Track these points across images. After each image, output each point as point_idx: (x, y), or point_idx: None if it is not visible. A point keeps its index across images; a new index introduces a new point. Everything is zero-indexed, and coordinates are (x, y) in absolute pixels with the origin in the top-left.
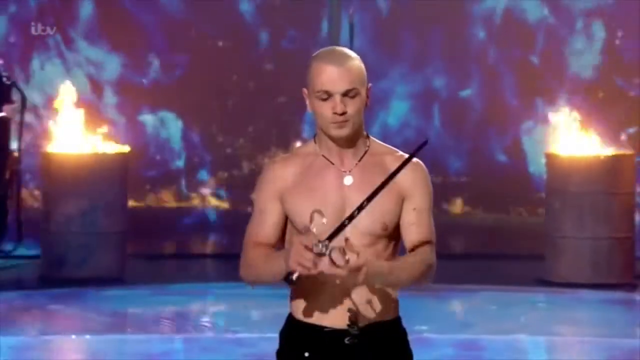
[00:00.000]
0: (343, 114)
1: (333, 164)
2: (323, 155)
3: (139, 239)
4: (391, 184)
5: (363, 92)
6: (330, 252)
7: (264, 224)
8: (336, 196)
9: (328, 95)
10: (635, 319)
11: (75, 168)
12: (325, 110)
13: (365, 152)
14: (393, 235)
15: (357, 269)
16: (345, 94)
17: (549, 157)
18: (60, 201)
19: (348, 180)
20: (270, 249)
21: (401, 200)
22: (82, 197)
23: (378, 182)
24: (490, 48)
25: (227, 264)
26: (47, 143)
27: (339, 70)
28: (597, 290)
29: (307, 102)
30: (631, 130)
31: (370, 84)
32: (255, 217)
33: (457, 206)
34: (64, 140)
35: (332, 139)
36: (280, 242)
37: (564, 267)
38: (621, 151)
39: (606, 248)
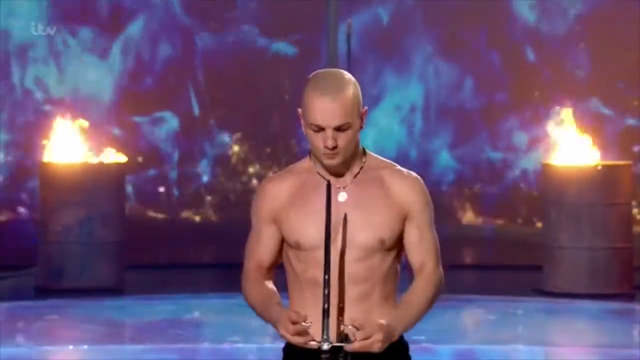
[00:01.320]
0: (334, 147)
1: (328, 180)
2: (318, 173)
3: (137, 249)
4: (390, 200)
5: (356, 122)
6: (331, 346)
7: (261, 245)
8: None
9: (320, 129)
10: (634, 329)
11: (73, 178)
12: (317, 141)
13: (361, 169)
14: (391, 249)
15: (377, 337)
16: (337, 129)
17: (545, 167)
18: (58, 211)
19: (342, 196)
20: (268, 275)
21: (401, 217)
22: (79, 207)
23: (375, 197)
24: (488, 51)
25: (225, 274)
26: (45, 152)
27: (332, 106)
28: (595, 301)
29: (302, 122)
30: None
31: (365, 108)
32: (253, 235)
33: (455, 217)
34: (62, 150)
35: (324, 165)
36: (277, 260)
37: (561, 277)
38: (618, 161)
39: (604, 258)
